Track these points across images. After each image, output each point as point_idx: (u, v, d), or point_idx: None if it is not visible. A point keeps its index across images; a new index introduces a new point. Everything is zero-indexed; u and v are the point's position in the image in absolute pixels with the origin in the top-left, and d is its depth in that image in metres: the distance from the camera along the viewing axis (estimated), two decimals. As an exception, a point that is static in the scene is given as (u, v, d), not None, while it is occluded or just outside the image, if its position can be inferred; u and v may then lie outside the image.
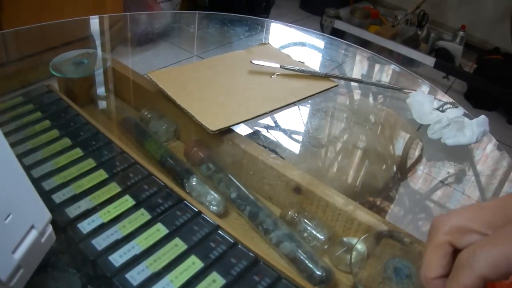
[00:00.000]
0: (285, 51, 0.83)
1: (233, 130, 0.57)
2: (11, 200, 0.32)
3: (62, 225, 0.41)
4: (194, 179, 0.52)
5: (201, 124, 0.55)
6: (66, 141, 0.52)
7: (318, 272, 0.43)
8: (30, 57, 0.82)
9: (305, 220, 0.48)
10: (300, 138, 0.69)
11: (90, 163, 0.49)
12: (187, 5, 2.06)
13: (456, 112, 0.66)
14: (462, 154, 0.67)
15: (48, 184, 0.45)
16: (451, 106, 0.76)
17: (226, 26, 0.99)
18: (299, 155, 0.65)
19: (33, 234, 0.34)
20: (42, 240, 0.35)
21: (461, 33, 2.15)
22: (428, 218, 0.61)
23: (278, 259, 0.45)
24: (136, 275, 0.37)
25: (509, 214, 0.26)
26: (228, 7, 2.08)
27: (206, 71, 0.70)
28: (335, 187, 0.50)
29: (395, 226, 0.46)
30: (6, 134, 0.46)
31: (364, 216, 0.47)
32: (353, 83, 0.80)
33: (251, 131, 0.63)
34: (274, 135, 0.66)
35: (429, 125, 0.66)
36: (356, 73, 0.92)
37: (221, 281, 0.37)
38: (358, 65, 0.95)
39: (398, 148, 0.72)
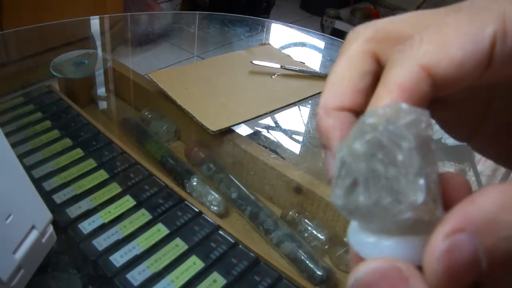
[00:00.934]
0: (285, 51, 0.83)
1: (233, 130, 0.57)
2: (12, 200, 0.32)
3: (63, 225, 0.41)
4: (195, 179, 0.52)
5: (202, 124, 0.55)
6: (67, 142, 0.52)
7: (318, 272, 0.43)
8: (30, 58, 0.82)
9: (306, 220, 0.48)
10: (300, 138, 0.69)
11: (90, 163, 0.49)
12: (188, 6, 2.06)
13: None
14: (462, 154, 0.67)
15: (48, 185, 0.46)
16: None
17: (227, 26, 0.99)
18: (300, 155, 0.65)
19: (34, 234, 0.34)
20: (43, 240, 0.35)
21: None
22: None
23: (278, 259, 0.45)
24: (137, 275, 0.37)
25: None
26: (229, 7, 2.09)
27: (207, 71, 0.70)
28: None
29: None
30: (7, 135, 0.46)
31: (365, 216, 0.47)
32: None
33: (251, 131, 0.63)
34: (275, 135, 0.66)
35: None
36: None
37: (221, 281, 0.37)
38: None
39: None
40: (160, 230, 0.41)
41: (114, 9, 1.55)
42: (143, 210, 0.43)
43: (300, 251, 0.45)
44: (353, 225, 0.15)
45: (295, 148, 0.67)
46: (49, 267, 0.38)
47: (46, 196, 0.44)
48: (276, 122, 0.68)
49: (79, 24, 0.92)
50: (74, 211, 0.43)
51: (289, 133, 0.68)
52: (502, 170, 0.66)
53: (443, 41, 0.14)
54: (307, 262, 0.44)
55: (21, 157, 0.49)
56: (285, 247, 0.45)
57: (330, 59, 0.93)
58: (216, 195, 0.50)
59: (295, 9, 2.72)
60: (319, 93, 0.70)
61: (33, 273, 0.35)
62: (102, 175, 0.47)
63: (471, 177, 0.65)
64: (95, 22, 0.93)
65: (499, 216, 0.12)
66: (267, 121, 0.66)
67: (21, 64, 0.83)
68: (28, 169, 0.47)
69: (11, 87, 0.72)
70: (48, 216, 0.36)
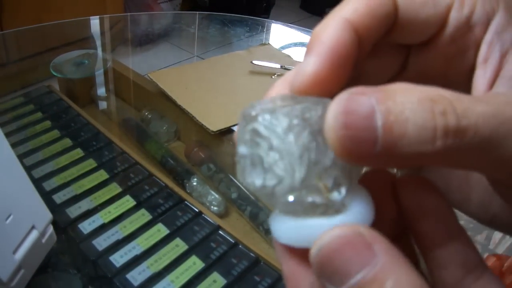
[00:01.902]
0: (285, 51, 0.83)
1: (233, 131, 0.57)
2: (12, 200, 0.32)
3: (63, 225, 0.41)
4: (195, 179, 0.52)
5: (202, 124, 0.55)
6: (67, 142, 0.52)
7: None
8: (30, 58, 0.82)
9: (306, 221, 0.48)
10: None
11: (90, 163, 0.49)
12: (188, 6, 2.06)
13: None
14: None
15: (48, 185, 0.46)
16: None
17: (227, 26, 0.99)
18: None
19: (34, 234, 0.34)
20: (43, 241, 0.35)
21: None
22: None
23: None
24: (137, 276, 0.37)
25: None
26: (229, 7, 2.09)
27: (207, 71, 0.70)
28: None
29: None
30: (7, 135, 0.46)
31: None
32: (353, 83, 0.80)
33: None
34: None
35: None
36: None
37: (222, 281, 0.37)
38: (359, 65, 0.95)
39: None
40: (160, 230, 0.41)
41: (114, 9, 1.55)
42: (143, 210, 0.43)
43: (300, 251, 0.44)
44: (273, 214, 0.16)
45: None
46: (49, 267, 0.38)
47: (46, 196, 0.44)
48: (276, 122, 0.68)
49: (79, 24, 0.92)
50: (74, 211, 0.43)
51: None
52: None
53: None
54: (307, 262, 0.44)
55: (21, 157, 0.49)
56: (285, 247, 0.45)
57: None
58: (216, 195, 0.50)
59: (295, 9, 2.71)
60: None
61: (33, 273, 0.35)
62: (102, 175, 0.47)
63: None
64: (95, 22, 0.93)
65: (398, 90, 0.13)
66: (267, 121, 0.66)
67: (21, 64, 0.83)
68: (28, 169, 0.47)
69: (11, 87, 0.72)
70: (48, 216, 0.36)
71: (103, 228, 0.41)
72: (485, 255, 0.52)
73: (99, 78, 0.70)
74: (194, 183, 0.51)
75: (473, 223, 0.21)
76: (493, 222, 0.19)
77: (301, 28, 1.03)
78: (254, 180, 0.15)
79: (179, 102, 0.59)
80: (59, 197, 0.44)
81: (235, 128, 0.57)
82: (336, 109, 0.13)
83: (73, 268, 0.39)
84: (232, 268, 0.39)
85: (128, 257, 0.39)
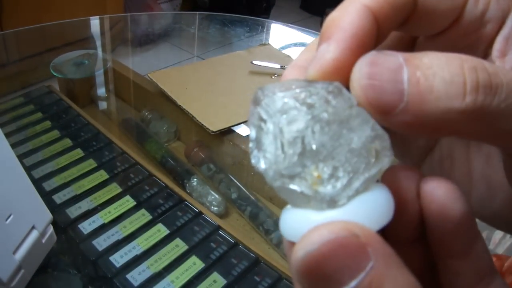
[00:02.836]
0: (285, 51, 0.83)
1: (233, 131, 0.57)
2: (12, 200, 0.32)
3: (63, 225, 0.41)
4: (195, 179, 0.52)
5: (202, 124, 0.55)
6: (67, 142, 0.52)
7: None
8: (30, 58, 0.82)
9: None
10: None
11: (90, 163, 0.49)
12: (188, 6, 2.06)
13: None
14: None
15: (48, 185, 0.46)
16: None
17: (227, 26, 0.99)
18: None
19: (34, 234, 0.34)
20: (43, 241, 0.35)
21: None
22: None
23: (279, 259, 0.45)
24: (137, 276, 0.37)
25: None
26: (229, 7, 2.09)
27: (207, 71, 0.70)
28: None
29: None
30: (7, 135, 0.46)
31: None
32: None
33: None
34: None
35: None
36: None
37: (222, 281, 0.37)
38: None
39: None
40: (160, 231, 0.41)
41: (114, 9, 1.55)
42: (143, 211, 0.43)
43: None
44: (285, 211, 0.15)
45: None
46: (49, 268, 0.38)
47: (46, 197, 0.44)
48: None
49: (79, 25, 0.92)
50: (74, 211, 0.43)
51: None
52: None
53: None
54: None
55: (21, 157, 0.49)
56: (285, 247, 0.45)
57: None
58: (216, 196, 0.50)
59: (295, 9, 2.71)
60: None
61: (33, 273, 0.35)
62: (102, 175, 0.47)
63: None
64: (95, 23, 0.93)
65: (427, 53, 0.13)
66: (267, 121, 0.66)
67: (21, 65, 0.83)
68: (28, 169, 0.47)
69: (11, 87, 0.72)
70: (48, 216, 0.36)
71: (103, 228, 0.41)
72: (485, 255, 0.52)
73: (99, 78, 0.70)
74: (194, 183, 0.51)
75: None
76: (493, 219, 0.18)
77: (301, 28, 1.03)
78: (257, 164, 0.14)
79: (179, 102, 0.59)
80: (59, 197, 0.44)
81: (235, 128, 0.57)
82: (362, 61, 0.13)
83: (73, 268, 0.39)
84: (232, 268, 0.39)
85: (128, 257, 0.39)
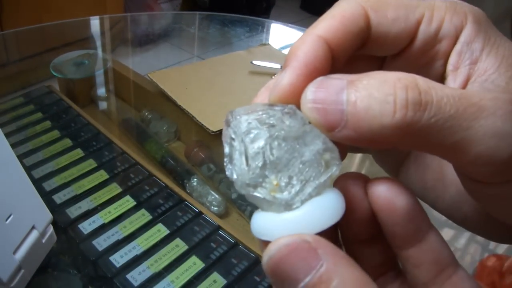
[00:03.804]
0: (285, 51, 0.83)
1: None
2: (12, 200, 0.32)
3: (63, 225, 0.41)
4: (195, 179, 0.52)
5: (202, 124, 0.55)
6: (67, 142, 0.52)
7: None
8: (30, 58, 0.82)
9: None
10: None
11: (90, 163, 0.49)
12: (188, 6, 2.06)
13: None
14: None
15: (49, 185, 0.46)
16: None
17: (227, 26, 0.99)
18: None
19: (34, 234, 0.34)
20: (43, 241, 0.35)
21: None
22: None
23: (278, 259, 0.45)
24: (137, 276, 0.37)
25: None
26: (229, 7, 2.08)
27: (207, 71, 0.70)
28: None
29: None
30: (7, 135, 0.46)
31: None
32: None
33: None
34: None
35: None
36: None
37: (222, 281, 0.37)
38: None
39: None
40: (160, 231, 0.41)
41: (114, 9, 1.55)
42: (143, 211, 0.43)
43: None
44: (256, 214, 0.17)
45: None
46: (49, 268, 0.38)
47: (46, 197, 0.44)
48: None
49: (79, 25, 0.92)
50: (74, 211, 0.43)
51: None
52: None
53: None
54: (307, 262, 0.44)
55: (21, 157, 0.49)
56: (285, 247, 0.45)
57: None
58: (216, 195, 0.50)
59: (295, 9, 2.71)
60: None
61: (33, 273, 0.35)
62: (102, 175, 0.47)
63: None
64: (95, 23, 0.93)
65: (371, 74, 0.15)
66: (267, 121, 0.66)
67: (21, 65, 0.83)
68: (28, 169, 0.47)
69: (11, 87, 0.72)
70: (48, 216, 0.36)
71: (103, 228, 0.41)
72: (485, 255, 0.52)
73: (99, 78, 0.70)
74: (194, 183, 0.51)
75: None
76: (464, 223, 0.20)
77: (301, 28, 1.03)
78: (230, 175, 0.16)
79: (179, 102, 0.59)
80: (59, 197, 0.44)
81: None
82: (309, 87, 0.15)
83: (73, 268, 0.39)
84: (232, 268, 0.39)
85: (128, 257, 0.39)
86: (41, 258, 0.36)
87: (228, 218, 0.51)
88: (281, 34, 1.04)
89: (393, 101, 0.14)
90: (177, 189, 0.47)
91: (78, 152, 0.50)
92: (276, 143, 0.16)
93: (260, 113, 0.16)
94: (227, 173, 0.17)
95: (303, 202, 0.16)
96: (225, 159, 0.17)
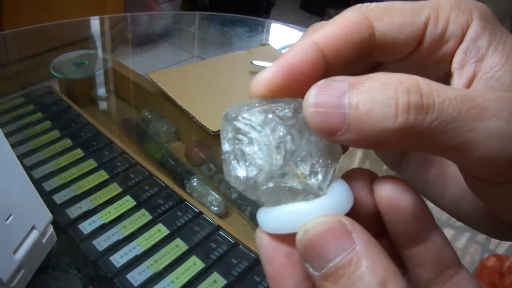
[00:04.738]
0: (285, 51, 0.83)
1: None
2: (12, 200, 0.32)
3: (63, 225, 0.41)
4: (195, 179, 0.52)
5: (202, 124, 0.55)
6: (67, 142, 0.52)
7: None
8: (30, 58, 0.82)
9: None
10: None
11: (90, 163, 0.49)
12: (188, 6, 2.06)
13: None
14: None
15: (49, 185, 0.46)
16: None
17: (227, 26, 0.99)
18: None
19: (34, 234, 0.34)
20: (43, 241, 0.35)
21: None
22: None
23: (279, 259, 0.45)
24: (137, 276, 0.37)
25: None
26: (229, 7, 2.08)
27: (207, 71, 0.70)
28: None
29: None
30: (7, 135, 0.46)
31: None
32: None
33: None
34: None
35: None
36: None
37: (222, 281, 0.37)
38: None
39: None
40: (160, 231, 0.41)
41: (114, 9, 1.55)
42: (143, 211, 0.43)
43: (300, 251, 0.44)
44: (260, 209, 0.17)
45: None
46: (49, 268, 0.38)
47: (46, 197, 0.44)
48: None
49: (79, 25, 0.92)
50: (74, 211, 0.43)
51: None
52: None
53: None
54: (307, 262, 0.44)
55: (21, 157, 0.49)
56: (285, 247, 0.45)
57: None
58: (216, 196, 0.50)
59: (295, 9, 2.71)
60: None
61: (33, 273, 0.35)
62: (102, 175, 0.47)
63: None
64: (95, 23, 0.93)
65: (373, 76, 0.14)
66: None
67: (21, 65, 0.83)
68: (28, 169, 0.47)
69: (11, 87, 0.72)
70: (48, 216, 0.36)
71: (103, 228, 0.41)
72: (485, 255, 0.52)
73: (99, 78, 0.70)
74: (194, 183, 0.51)
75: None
76: (464, 219, 0.20)
77: (301, 28, 1.03)
78: (237, 173, 0.16)
79: (179, 102, 0.59)
80: (59, 197, 0.44)
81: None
82: (311, 90, 0.15)
83: (73, 268, 0.39)
84: (232, 268, 0.39)
85: (128, 257, 0.39)
86: (41, 258, 0.36)
87: (228, 218, 0.51)
88: (281, 34, 1.04)
89: (395, 105, 0.14)
90: (177, 189, 0.47)
91: (78, 152, 0.50)
92: (294, 133, 0.16)
93: (273, 105, 0.16)
94: (232, 172, 0.16)
95: (327, 188, 0.16)
96: (226, 156, 0.16)
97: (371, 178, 0.17)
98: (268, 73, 0.17)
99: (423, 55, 0.18)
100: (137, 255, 0.39)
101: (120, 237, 0.40)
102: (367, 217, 0.17)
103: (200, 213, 0.44)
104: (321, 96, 0.15)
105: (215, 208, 0.49)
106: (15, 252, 0.32)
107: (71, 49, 0.73)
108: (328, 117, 0.14)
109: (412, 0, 0.18)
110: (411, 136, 0.14)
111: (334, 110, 0.14)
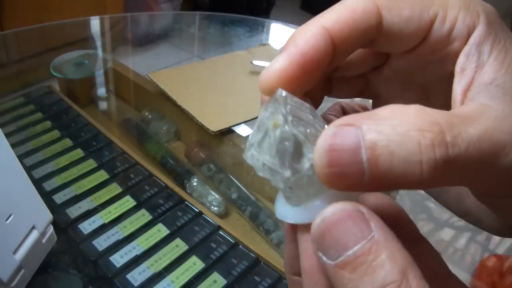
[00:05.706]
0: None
1: (233, 131, 0.57)
2: (12, 200, 0.32)
3: (63, 225, 0.41)
4: (195, 179, 0.52)
5: (202, 124, 0.55)
6: (67, 142, 0.52)
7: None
8: (30, 58, 0.82)
9: (306, 221, 0.48)
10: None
11: (91, 163, 0.49)
12: (188, 6, 2.06)
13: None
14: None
15: (49, 185, 0.46)
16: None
17: (227, 26, 0.99)
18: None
19: (34, 234, 0.34)
20: (43, 241, 0.35)
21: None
22: (429, 219, 0.61)
23: (279, 259, 0.45)
24: (137, 276, 0.37)
25: None
26: (229, 7, 2.08)
27: (207, 71, 0.70)
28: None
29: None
30: (7, 135, 0.46)
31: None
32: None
33: (251, 131, 0.63)
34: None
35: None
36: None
37: (222, 281, 0.37)
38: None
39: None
40: (160, 231, 0.41)
41: (114, 9, 1.55)
42: (143, 211, 0.43)
43: (300, 251, 0.44)
44: (279, 201, 0.17)
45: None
46: (49, 268, 0.38)
47: (46, 197, 0.44)
48: (276, 122, 0.68)
49: (79, 25, 0.92)
50: (74, 211, 0.43)
51: (289, 133, 0.68)
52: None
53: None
54: (307, 262, 0.44)
55: (21, 157, 0.49)
56: (285, 247, 0.45)
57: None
58: (216, 196, 0.50)
59: (295, 9, 2.71)
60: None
61: (33, 273, 0.35)
62: (102, 175, 0.47)
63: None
64: (95, 23, 0.93)
65: (388, 118, 0.13)
66: (267, 121, 0.66)
67: (21, 65, 0.83)
68: (28, 169, 0.47)
69: (12, 87, 0.72)
70: (48, 216, 0.36)
71: (103, 228, 0.41)
72: (485, 255, 0.52)
73: (99, 78, 0.70)
74: (194, 183, 0.51)
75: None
76: (465, 216, 0.20)
77: (301, 28, 1.03)
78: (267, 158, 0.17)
79: (179, 102, 0.59)
80: (59, 197, 0.44)
81: (235, 128, 0.57)
82: (322, 146, 0.14)
83: (73, 268, 0.39)
84: (232, 268, 0.39)
85: (128, 257, 0.39)
86: (41, 258, 0.36)
87: (228, 218, 0.51)
88: (281, 34, 1.04)
89: (419, 162, 0.13)
90: (177, 189, 0.47)
91: (78, 152, 0.50)
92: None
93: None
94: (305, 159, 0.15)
95: None
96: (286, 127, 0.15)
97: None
98: (280, 63, 0.16)
99: (427, 52, 0.18)
100: (137, 255, 0.39)
101: (120, 237, 0.40)
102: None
103: (200, 213, 0.44)
104: (334, 154, 0.13)
105: (215, 208, 0.49)
106: (15, 252, 0.32)
107: (71, 49, 0.73)
108: (344, 176, 0.13)
109: None
110: (436, 182, 0.14)
111: (351, 168, 0.13)
